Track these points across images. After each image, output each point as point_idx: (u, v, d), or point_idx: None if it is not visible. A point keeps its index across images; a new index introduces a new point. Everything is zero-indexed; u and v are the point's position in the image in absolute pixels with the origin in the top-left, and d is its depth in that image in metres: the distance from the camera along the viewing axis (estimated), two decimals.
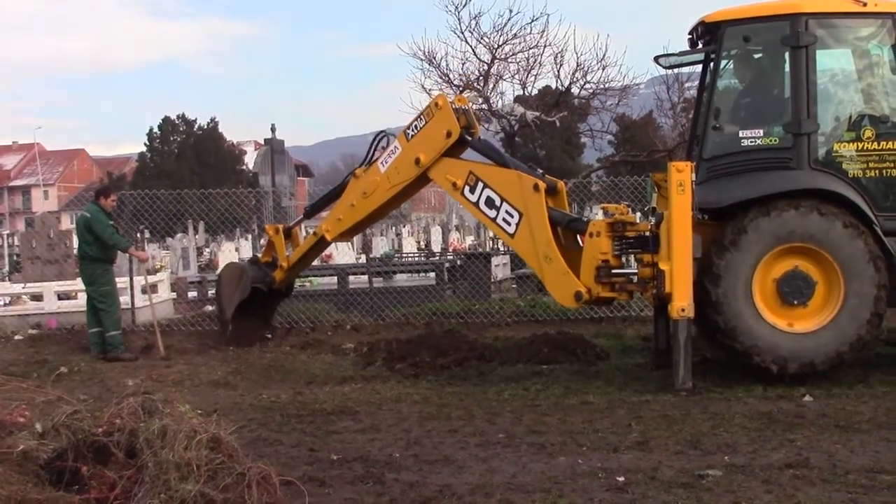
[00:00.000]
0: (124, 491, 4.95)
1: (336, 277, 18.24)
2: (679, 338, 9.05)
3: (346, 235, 12.38)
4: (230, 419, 5.68)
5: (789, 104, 9.56)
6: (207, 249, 33.92)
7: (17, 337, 14.32)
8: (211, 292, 18.94)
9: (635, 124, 36.93)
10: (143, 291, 14.55)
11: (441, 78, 20.92)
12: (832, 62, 9.99)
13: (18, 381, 7.59)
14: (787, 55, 9.62)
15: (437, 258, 26.29)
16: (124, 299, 14.18)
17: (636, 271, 9.88)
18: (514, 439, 7.47)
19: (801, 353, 9.13)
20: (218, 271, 15.48)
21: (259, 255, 13.14)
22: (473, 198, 10.39)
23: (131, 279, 14.98)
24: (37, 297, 15.92)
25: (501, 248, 23.74)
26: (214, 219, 21.65)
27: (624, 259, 10.35)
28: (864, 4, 9.45)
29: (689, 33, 10.53)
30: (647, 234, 9.70)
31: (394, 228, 39.92)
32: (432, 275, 19.38)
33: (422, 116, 10.86)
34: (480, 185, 10.32)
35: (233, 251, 28.29)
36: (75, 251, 14.57)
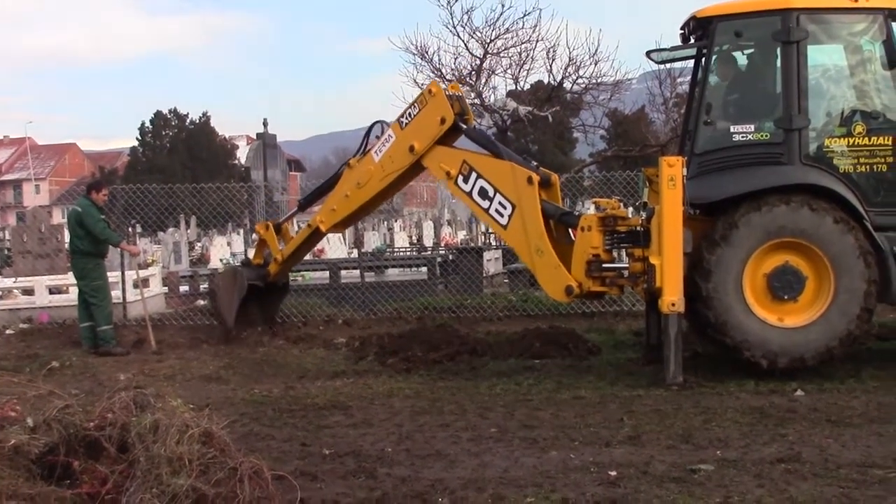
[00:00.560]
0: (116, 485, 4.94)
1: (328, 272, 18.21)
2: (670, 332, 9.06)
3: (340, 226, 12.33)
4: (222, 413, 5.68)
5: (780, 99, 9.57)
6: (199, 244, 33.89)
7: (8, 331, 14.29)
8: (203, 286, 18.93)
9: (627, 119, 36.92)
10: (135, 286, 14.51)
11: (433, 72, 20.88)
12: (823, 58, 9.99)
13: (9, 376, 7.60)
14: (778, 50, 9.63)
15: (429, 253, 26.29)
16: (116, 294, 14.14)
17: (627, 266, 9.89)
18: (506, 434, 7.47)
19: (791, 347, 9.15)
20: (208, 284, 15.44)
21: (251, 258, 13.05)
22: (467, 188, 10.38)
23: (123, 273, 14.93)
24: (28, 292, 15.88)
25: (493, 243, 23.74)
26: (206, 213, 21.63)
27: (615, 254, 10.36)
28: (856, 0, 9.46)
29: (681, 28, 10.54)
30: (639, 228, 9.71)
31: (386, 223, 39.94)
32: (424, 269, 19.35)
33: (415, 104, 10.84)
34: (474, 175, 10.30)
35: (224, 245, 28.28)
36: (66, 245, 14.54)
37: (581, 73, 21.41)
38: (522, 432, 7.51)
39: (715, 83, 10.19)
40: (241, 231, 31.34)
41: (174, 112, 71.64)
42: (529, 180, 9.95)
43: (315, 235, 12.13)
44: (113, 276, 14.11)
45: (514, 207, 10.03)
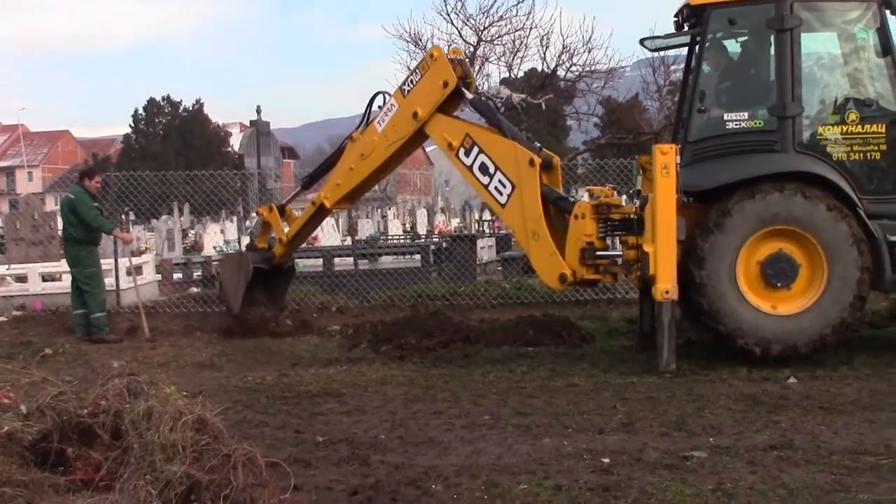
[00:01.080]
0: (110, 472, 4.94)
1: (321, 259, 18.20)
2: (663, 320, 9.09)
3: (345, 201, 12.05)
4: (215, 401, 5.66)
5: (774, 87, 9.57)
6: (192, 231, 33.88)
7: (1, 318, 14.28)
8: (196, 274, 18.93)
9: (621, 107, 36.85)
10: (128, 273, 14.50)
11: None
12: (817, 45, 10.00)
13: (3, 363, 7.60)
14: (772, 38, 9.63)
15: (423, 240, 26.29)
16: (109, 281, 14.13)
17: (621, 253, 9.90)
18: (500, 421, 7.48)
19: (784, 335, 9.17)
20: (215, 269, 15.33)
21: (255, 243, 12.85)
22: (468, 161, 10.30)
23: (116, 261, 14.91)
24: (21, 279, 15.87)
25: (487, 231, 23.76)
26: (200, 201, 21.56)
27: (609, 241, 10.36)
28: None
29: (675, 16, 10.52)
30: (632, 216, 9.71)
31: (379, 211, 39.94)
32: (418, 257, 19.37)
33: (417, 70, 10.72)
34: (476, 149, 10.23)
35: (218, 233, 28.27)
36: (60, 233, 14.52)
37: (575, 60, 21.52)
38: (516, 419, 7.52)
39: (709, 71, 10.19)
40: (235, 218, 31.27)
41: (167, 99, 71.48)
42: (531, 162, 9.90)
43: (320, 213, 11.98)
44: (106, 263, 14.08)
45: (513, 188, 9.98)
